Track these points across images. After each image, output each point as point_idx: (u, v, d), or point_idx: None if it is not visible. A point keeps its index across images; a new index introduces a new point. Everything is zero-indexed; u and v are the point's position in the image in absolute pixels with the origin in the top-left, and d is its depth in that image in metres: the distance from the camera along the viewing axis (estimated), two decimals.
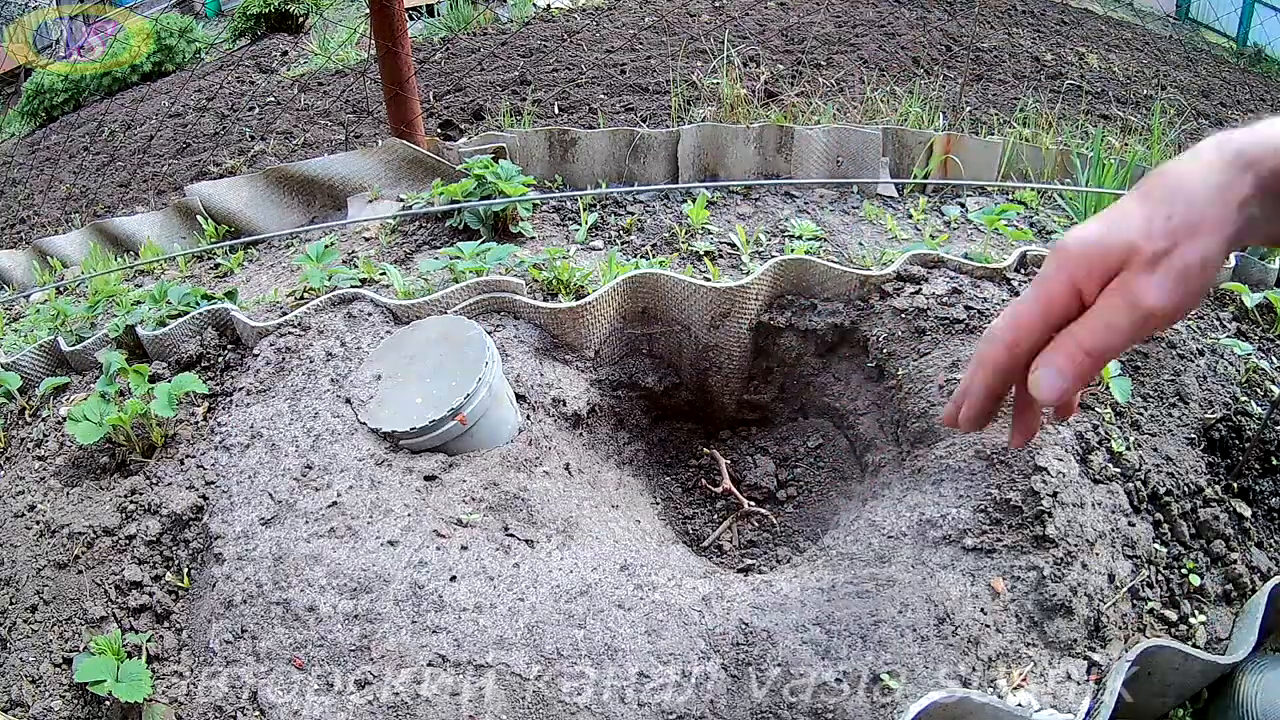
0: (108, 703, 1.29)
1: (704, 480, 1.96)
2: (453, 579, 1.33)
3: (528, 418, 1.69)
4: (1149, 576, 1.38)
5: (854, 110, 3.29)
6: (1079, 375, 0.61)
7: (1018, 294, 1.91)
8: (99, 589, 1.41)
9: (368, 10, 2.72)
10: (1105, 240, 0.60)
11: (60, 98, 7.35)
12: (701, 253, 2.19)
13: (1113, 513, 1.42)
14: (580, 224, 2.38)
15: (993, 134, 3.17)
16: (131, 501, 1.52)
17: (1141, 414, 1.67)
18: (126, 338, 1.97)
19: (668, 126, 3.00)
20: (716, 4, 5.86)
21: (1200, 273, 0.58)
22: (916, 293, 1.83)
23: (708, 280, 1.93)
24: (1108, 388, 1.59)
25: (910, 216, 2.47)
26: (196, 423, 1.70)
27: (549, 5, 6.37)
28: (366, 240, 2.49)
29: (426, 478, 1.49)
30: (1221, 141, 0.61)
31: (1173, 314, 0.58)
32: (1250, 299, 2.13)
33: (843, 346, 1.94)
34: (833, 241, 2.27)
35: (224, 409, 1.70)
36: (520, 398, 1.70)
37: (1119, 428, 1.60)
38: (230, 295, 2.07)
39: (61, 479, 1.65)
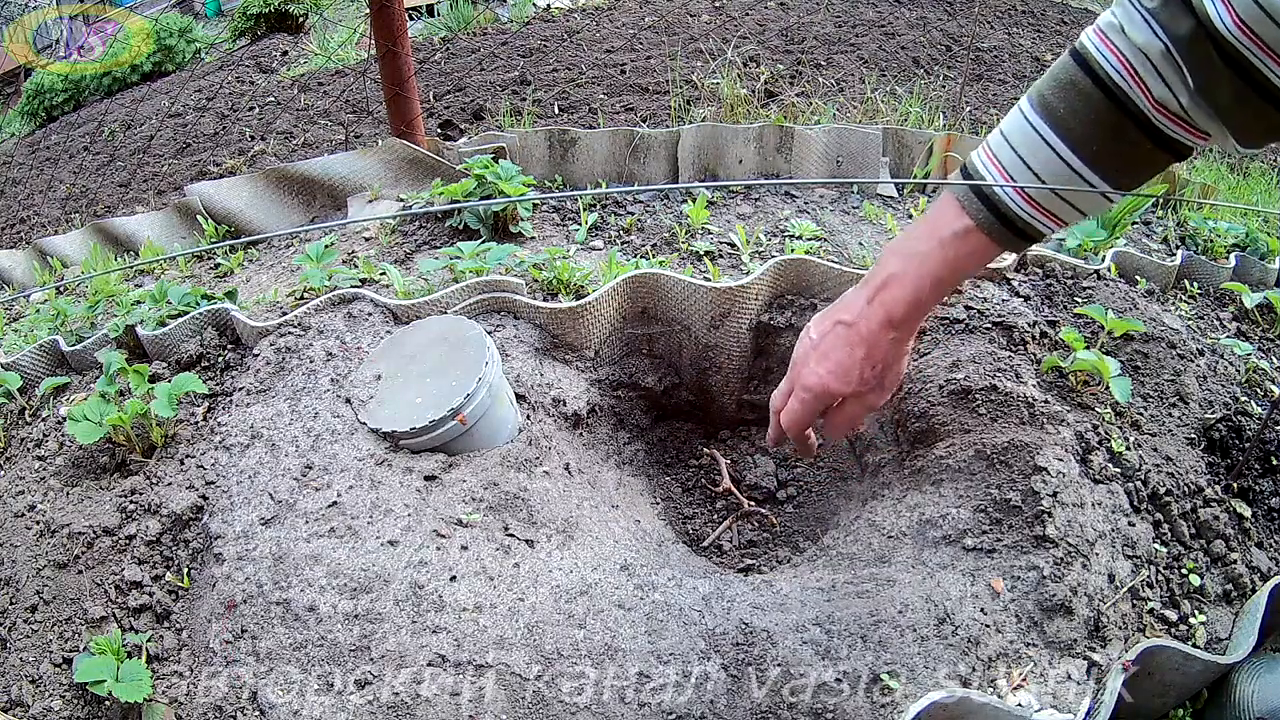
0: (108, 703, 1.29)
1: (704, 480, 1.96)
2: (453, 579, 1.33)
3: (528, 418, 1.69)
4: (1149, 576, 1.38)
5: (854, 110, 3.29)
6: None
7: (1019, 294, 1.91)
8: (99, 589, 1.41)
9: (368, 10, 2.71)
10: (836, 387, 1.09)
11: (60, 98, 7.36)
12: (701, 253, 2.19)
13: (1113, 513, 1.42)
14: (580, 224, 2.38)
15: None
16: (131, 501, 1.52)
17: (1141, 414, 1.67)
18: (126, 338, 1.97)
19: (668, 126, 3.00)
20: (716, 4, 5.85)
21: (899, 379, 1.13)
22: None
23: (708, 280, 1.93)
24: (1108, 387, 1.59)
25: (910, 216, 2.48)
26: (196, 423, 1.70)
27: (549, 5, 6.37)
28: (366, 240, 2.49)
29: (426, 478, 1.49)
30: (883, 319, 1.04)
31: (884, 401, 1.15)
32: (1250, 299, 2.13)
33: None
34: (833, 241, 2.27)
35: (224, 409, 1.70)
36: (520, 398, 1.70)
37: (1119, 428, 1.60)
38: (230, 295, 2.07)
39: (61, 479, 1.65)
